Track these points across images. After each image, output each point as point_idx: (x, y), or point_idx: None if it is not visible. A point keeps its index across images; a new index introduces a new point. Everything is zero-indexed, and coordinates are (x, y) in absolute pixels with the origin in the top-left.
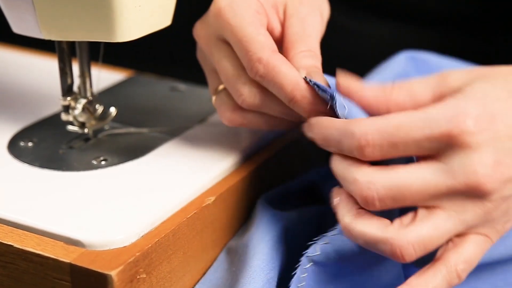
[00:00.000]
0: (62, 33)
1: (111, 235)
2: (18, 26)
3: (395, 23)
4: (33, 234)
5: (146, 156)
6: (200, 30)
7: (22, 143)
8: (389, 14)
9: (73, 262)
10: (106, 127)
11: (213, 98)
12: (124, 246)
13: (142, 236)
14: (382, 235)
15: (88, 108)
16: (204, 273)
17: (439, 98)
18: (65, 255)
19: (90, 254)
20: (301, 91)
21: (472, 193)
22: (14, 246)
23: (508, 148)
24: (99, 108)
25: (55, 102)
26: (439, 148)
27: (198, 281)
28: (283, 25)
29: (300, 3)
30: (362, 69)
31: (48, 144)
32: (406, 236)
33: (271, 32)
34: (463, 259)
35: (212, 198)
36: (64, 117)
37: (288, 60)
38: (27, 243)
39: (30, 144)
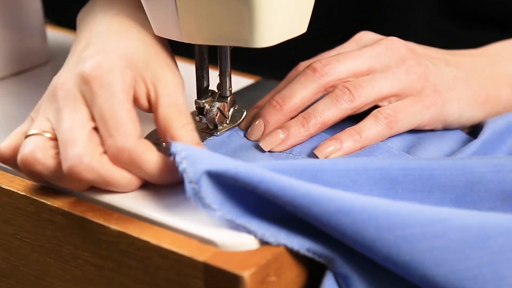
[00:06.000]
0: (202, 37)
1: (244, 237)
2: (160, 30)
3: (509, 33)
4: (169, 231)
5: None
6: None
7: (155, 143)
8: (503, 23)
9: (207, 261)
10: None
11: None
12: (256, 249)
13: None
14: None
15: (222, 111)
16: None
17: None
18: (199, 254)
19: (223, 254)
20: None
21: None
22: (151, 242)
23: None
24: (230, 111)
25: (189, 103)
26: None
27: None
28: (149, 97)
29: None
30: None
31: None
32: None
33: (137, 103)
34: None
35: None
36: (197, 118)
37: (172, 135)
38: (163, 240)
39: (164, 144)
